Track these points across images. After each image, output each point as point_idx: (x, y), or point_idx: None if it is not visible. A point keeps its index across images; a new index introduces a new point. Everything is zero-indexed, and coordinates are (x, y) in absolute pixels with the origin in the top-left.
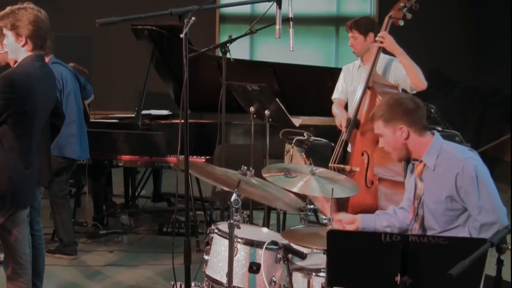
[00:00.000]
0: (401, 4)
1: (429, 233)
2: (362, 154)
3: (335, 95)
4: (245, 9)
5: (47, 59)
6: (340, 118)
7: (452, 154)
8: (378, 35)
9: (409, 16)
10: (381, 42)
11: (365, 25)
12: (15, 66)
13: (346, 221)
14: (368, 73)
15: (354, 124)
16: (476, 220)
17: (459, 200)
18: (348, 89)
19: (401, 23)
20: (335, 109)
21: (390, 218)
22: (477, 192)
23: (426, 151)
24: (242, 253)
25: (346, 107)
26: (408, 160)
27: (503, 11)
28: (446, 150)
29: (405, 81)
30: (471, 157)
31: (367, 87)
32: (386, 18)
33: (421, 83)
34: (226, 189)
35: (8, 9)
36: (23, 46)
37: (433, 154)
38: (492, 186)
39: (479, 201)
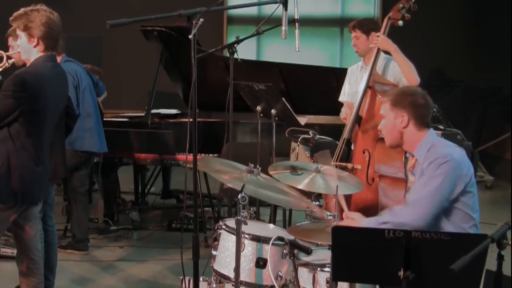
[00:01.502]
0: (400, 5)
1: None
2: (364, 152)
3: (342, 98)
4: (252, 10)
5: (59, 58)
6: (343, 113)
7: (437, 150)
8: (375, 38)
9: (408, 16)
10: (375, 43)
11: (367, 25)
12: (27, 66)
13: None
14: (369, 73)
15: (355, 122)
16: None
17: None
18: (352, 90)
19: (400, 23)
20: (343, 111)
21: None
22: (420, 185)
23: (418, 146)
24: (249, 248)
25: None
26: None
27: (503, 11)
28: (435, 146)
29: (401, 78)
30: (446, 154)
31: (367, 86)
32: (385, 19)
33: (414, 79)
34: (233, 186)
35: (21, 10)
36: (35, 46)
37: (423, 149)
38: (443, 189)
39: (416, 194)
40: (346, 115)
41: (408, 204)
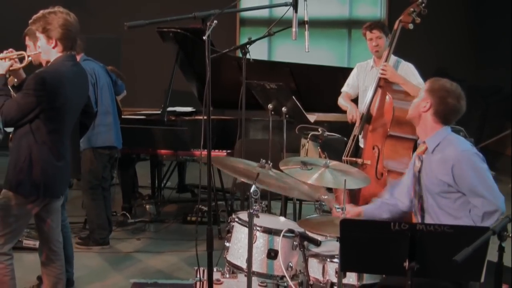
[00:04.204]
0: (411, 9)
1: (430, 212)
2: (373, 148)
3: (344, 88)
4: (264, 13)
5: (78, 57)
6: (351, 112)
7: (452, 144)
8: (381, 67)
9: (418, 20)
10: (383, 74)
11: (386, 27)
12: (47, 65)
13: (352, 215)
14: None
15: (366, 120)
16: (478, 208)
17: (455, 186)
18: (360, 86)
19: (411, 26)
20: (342, 101)
21: (390, 208)
22: (476, 182)
23: (431, 136)
24: (261, 240)
25: (354, 101)
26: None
27: (504, 13)
28: (449, 140)
29: (411, 80)
30: (468, 149)
31: (378, 85)
32: (397, 22)
33: None
34: (246, 180)
35: (40, 13)
36: (53, 47)
37: (436, 139)
38: (489, 175)
39: (480, 190)
40: (353, 116)
41: (481, 197)
